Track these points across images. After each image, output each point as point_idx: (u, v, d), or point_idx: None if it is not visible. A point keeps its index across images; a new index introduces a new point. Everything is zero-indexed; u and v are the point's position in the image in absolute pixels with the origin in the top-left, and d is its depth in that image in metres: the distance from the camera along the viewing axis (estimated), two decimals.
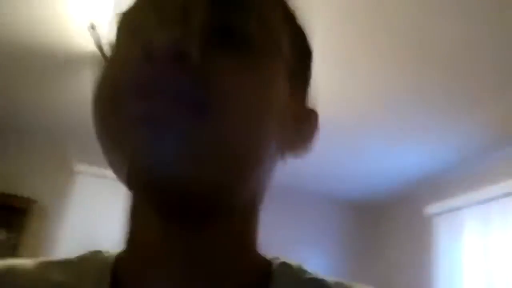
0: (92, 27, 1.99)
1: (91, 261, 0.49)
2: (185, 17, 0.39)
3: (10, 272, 0.48)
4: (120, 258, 0.49)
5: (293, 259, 0.51)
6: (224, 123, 0.38)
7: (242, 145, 0.39)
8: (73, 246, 3.26)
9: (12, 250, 3.26)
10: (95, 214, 3.57)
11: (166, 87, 0.37)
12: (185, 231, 0.42)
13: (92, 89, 0.42)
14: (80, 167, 3.68)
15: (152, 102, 0.37)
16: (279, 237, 3.28)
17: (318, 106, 0.53)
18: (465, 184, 3.43)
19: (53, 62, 2.68)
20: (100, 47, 0.47)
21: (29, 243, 3.38)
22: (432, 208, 3.69)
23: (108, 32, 0.48)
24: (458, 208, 3.47)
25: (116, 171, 0.40)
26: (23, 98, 3.21)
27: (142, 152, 0.37)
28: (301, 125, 0.50)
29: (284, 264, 0.50)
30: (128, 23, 0.45)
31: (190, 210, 0.40)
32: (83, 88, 2.78)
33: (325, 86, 2.52)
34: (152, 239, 0.43)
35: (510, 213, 3.07)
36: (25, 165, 3.63)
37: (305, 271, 0.50)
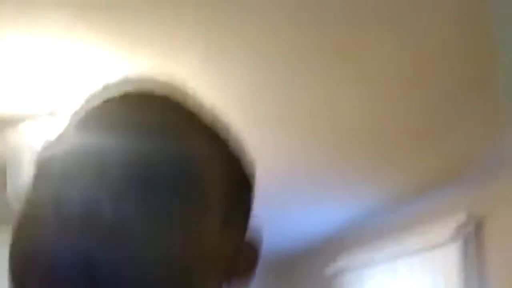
0: None
1: None
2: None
3: None
4: None
5: None
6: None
7: None
8: None
9: None
10: None
11: None
12: None
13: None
14: None
15: None
16: None
17: None
18: (370, 242, 3.45)
19: None
20: None
21: None
22: (333, 267, 3.68)
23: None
24: (363, 266, 3.47)
25: None
26: None
27: None
28: (238, 260, 0.46)
29: None
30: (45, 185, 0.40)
31: None
32: None
33: None
34: None
35: (416, 270, 3.10)
36: None
37: None
